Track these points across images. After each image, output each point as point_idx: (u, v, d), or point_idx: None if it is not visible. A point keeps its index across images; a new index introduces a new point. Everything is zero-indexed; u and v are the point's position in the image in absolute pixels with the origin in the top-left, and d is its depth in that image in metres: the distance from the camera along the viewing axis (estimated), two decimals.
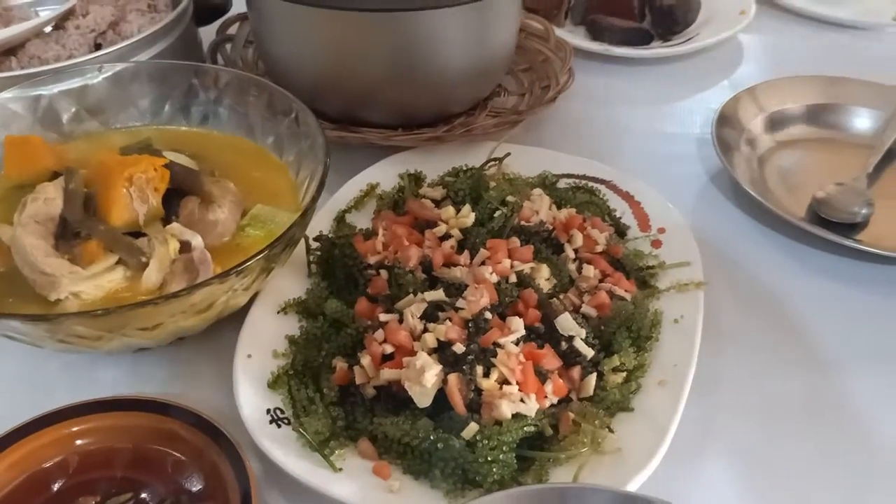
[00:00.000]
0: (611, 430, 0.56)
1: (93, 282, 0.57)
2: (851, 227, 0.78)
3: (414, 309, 0.59)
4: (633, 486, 0.52)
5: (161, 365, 0.64)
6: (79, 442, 0.54)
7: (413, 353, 0.57)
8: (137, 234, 0.61)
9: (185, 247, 0.60)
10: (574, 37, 1.07)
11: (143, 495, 0.53)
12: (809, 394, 0.64)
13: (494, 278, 0.62)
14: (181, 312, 0.55)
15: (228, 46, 0.95)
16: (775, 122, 0.91)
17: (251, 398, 0.57)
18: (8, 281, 0.59)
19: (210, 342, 0.65)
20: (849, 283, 0.75)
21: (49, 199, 0.59)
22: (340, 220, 0.74)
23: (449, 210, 0.69)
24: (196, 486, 0.53)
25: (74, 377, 0.62)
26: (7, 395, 0.61)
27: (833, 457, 0.60)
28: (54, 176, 0.66)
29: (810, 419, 0.62)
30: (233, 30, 0.98)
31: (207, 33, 0.96)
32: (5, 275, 0.60)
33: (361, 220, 0.75)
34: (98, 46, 0.86)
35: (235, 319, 0.63)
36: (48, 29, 0.89)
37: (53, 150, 0.70)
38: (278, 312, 0.64)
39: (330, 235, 0.69)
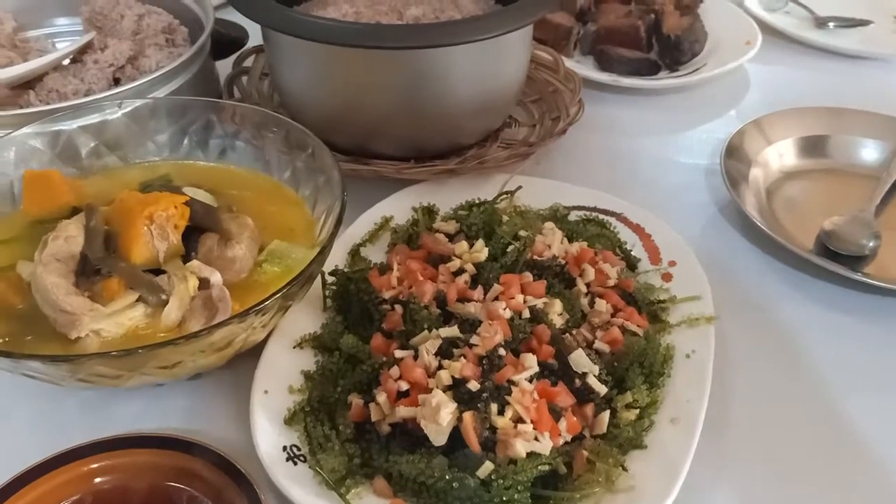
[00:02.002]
0: (624, 469, 0.56)
1: (113, 319, 0.58)
2: (859, 259, 0.79)
3: (429, 345, 0.60)
4: None
5: (179, 399, 0.65)
6: (96, 480, 0.54)
7: (428, 390, 0.57)
8: (157, 271, 0.62)
9: (204, 283, 0.61)
10: (583, 67, 1.09)
11: None
12: (820, 427, 0.65)
13: (508, 314, 0.63)
14: (201, 351, 0.55)
15: (244, 79, 0.97)
16: (782, 154, 0.92)
17: (268, 435, 0.58)
18: (27, 319, 0.60)
19: (228, 375, 0.66)
20: (857, 315, 0.75)
21: (70, 238, 0.60)
22: (355, 253, 0.75)
23: (462, 245, 0.70)
24: None
25: (93, 412, 0.63)
26: (26, 432, 0.62)
27: (845, 491, 0.60)
28: (74, 211, 0.67)
29: (821, 453, 0.63)
30: (248, 62, 1.00)
31: (224, 66, 0.98)
32: (24, 312, 0.61)
33: (376, 254, 0.76)
34: (117, 81, 0.87)
35: (253, 352, 0.64)
36: (66, 62, 0.91)
37: (72, 186, 0.71)
38: (294, 347, 0.65)
39: (345, 270, 0.70)
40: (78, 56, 0.91)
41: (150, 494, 0.55)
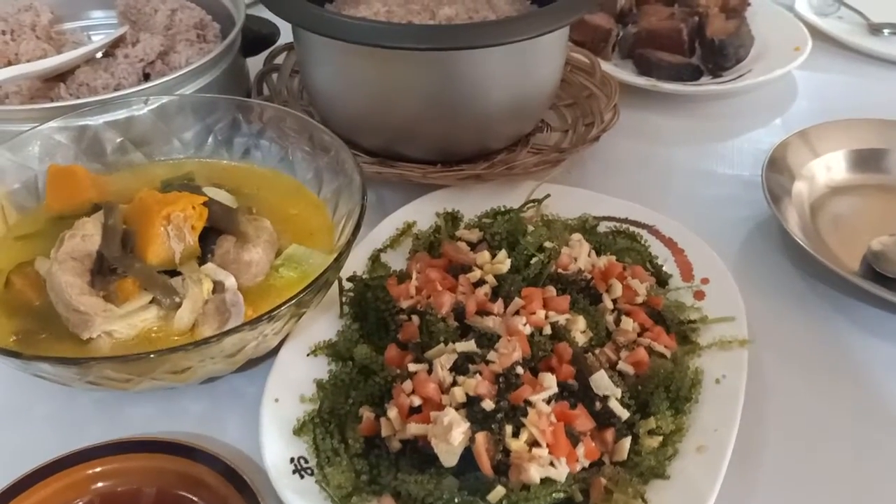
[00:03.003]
0: (644, 500, 0.53)
1: (126, 321, 0.57)
2: None
3: (444, 360, 0.58)
4: None
5: (192, 403, 0.64)
6: (100, 484, 0.54)
7: (441, 406, 0.55)
8: (173, 272, 0.61)
9: (219, 287, 0.60)
10: (621, 71, 1.05)
11: None
12: (859, 463, 0.61)
13: (528, 329, 0.61)
14: (210, 358, 0.54)
15: (275, 76, 0.96)
16: (829, 167, 0.87)
17: (276, 445, 0.56)
18: (43, 316, 0.60)
19: (242, 380, 0.65)
20: None
21: (87, 236, 0.60)
22: (375, 259, 0.73)
23: (484, 255, 0.68)
24: None
25: (105, 415, 0.63)
26: (40, 430, 0.62)
27: None
28: (95, 209, 0.67)
29: (859, 492, 0.59)
30: (279, 59, 0.99)
31: (255, 62, 0.97)
32: (40, 309, 0.60)
33: (397, 260, 0.74)
34: (146, 76, 0.87)
35: (268, 358, 0.63)
36: (98, 55, 0.91)
37: (96, 182, 0.71)
38: (308, 355, 0.64)
39: (364, 276, 0.68)
40: (110, 50, 0.90)
41: (154, 500, 0.54)
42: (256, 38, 0.94)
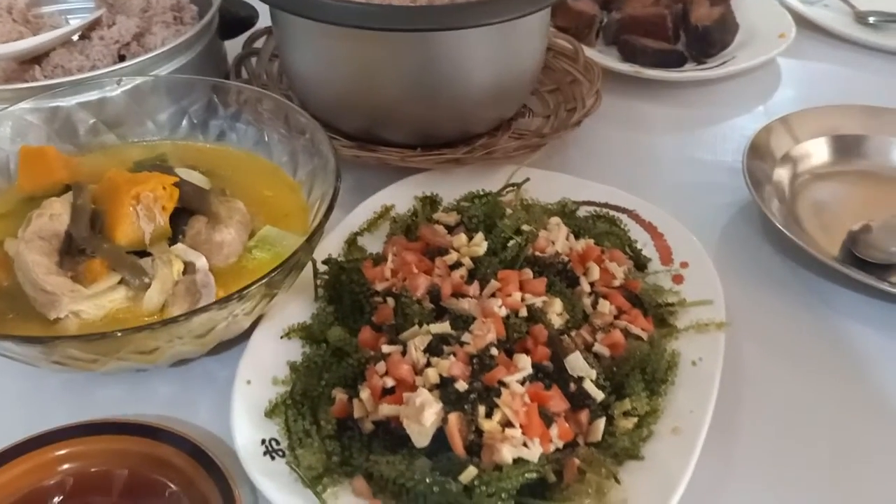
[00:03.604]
0: (617, 481, 0.53)
1: (93, 301, 0.56)
2: (888, 269, 0.74)
3: (418, 341, 0.57)
4: None
5: (162, 385, 0.63)
6: (68, 465, 0.53)
7: (414, 388, 0.55)
8: (143, 253, 0.60)
9: (190, 268, 0.59)
10: (605, 57, 1.05)
11: None
12: (834, 446, 0.61)
13: (503, 312, 0.60)
14: (178, 338, 0.53)
15: (254, 60, 0.95)
16: (810, 153, 0.87)
17: (246, 427, 0.56)
18: (10, 297, 0.59)
19: (214, 363, 0.64)
20: (884, 328, 0.71)
21: (55, 215, 0.59)
22: (352, 242, 0.72)
23: (461, 238, 0.67)
24: None
25: (73, 396, 0.62)
26: (5, 413, 0.61)
27: None
28: (66, 189, 0.66)
29: (832, 474, 0.59)
30: (259, 43, 0.97)
31: (234, 47, 0.96)
32: (8, 290, 0.59)
33: (374, 243, 0.73)
34: (122, 58, 0.86)
35: (240, 340, 0.62)
36: (75, 38, 0.89)
37: (68, 163, 0.70)
38: (282, 337, 0.63)
39: (339, 259, 0.68)
40: (86, 32, 0.89)
41: (123, 481, 0.53)
42: (234, 21, 0.93)
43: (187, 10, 0.92)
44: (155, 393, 0.62)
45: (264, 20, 0.99)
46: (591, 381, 0.57)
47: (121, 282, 0.58)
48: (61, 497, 0.52)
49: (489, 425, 0.53)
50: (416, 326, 0.59)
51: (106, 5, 0.94)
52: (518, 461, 0.52)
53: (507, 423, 0.53)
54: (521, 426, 0.53)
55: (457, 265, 0.65)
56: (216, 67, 0.90)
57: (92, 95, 0.73)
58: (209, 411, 0.61)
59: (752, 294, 0.73)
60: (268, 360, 0.61)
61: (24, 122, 0.70)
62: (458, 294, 0.63)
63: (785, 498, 0.57)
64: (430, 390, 0.54)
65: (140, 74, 0.76)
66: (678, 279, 0.70)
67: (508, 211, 0.71)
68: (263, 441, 0.55)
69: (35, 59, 0.85)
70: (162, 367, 0.63)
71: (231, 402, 0.57)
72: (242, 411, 0.56)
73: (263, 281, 0.55)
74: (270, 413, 0.57)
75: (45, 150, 0.69)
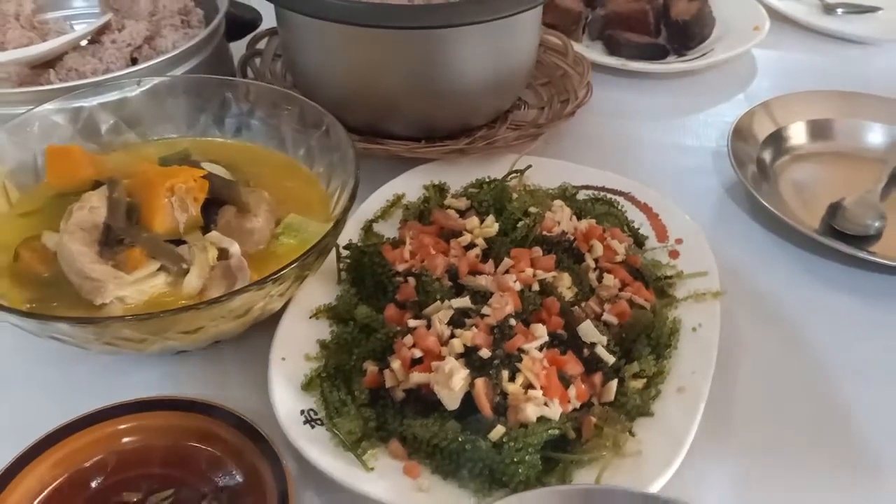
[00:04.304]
0: (632, 434, 0.58)
1: (136, 287, 0.60)
2: (864, 240, 0.80)
3: (441, 315, 0.62)
4: (653, 488, 0.54)
5: (196, 369, 0.66)
6: (123, 440, 0.56)
7: (441, 357, 0.59)
8: (177, 241, 0.64)
9: (223, 254, 0.63)
10: (591, 52, 1.10)
11: (184, 492, 0.55)
12: (820, 402, 0.66)
13: (518, 286, 0.65)
14: (221, 317, 0.57)
15: (258, 61, 0.99)
16: (789, 136, 0.93)
17: (286, 399, 0.59)
18: (52, 286, 0.62)
19: (243, 347, 0.67)
20: (860, 294, 0.77)
21: (94, 208, 0.62)
22: (368, 229, 0.76)
23: (474, 220, 0.71)
24: (235, 484, 0.55)
25: (110, 379, 0.65)
26: (45, 398, 0.64)
27: (840, 461, 0.62)
28: (95, 185, 0.69)
29: (820, 426, 0.64)
30: (261, 45, 1.01)
31: (237, 48, 0.99)
32: (50, 280, 0.63)
33: (387, 230, 0.77)
34: (134, 60, 0.89)
35: (267, 326, 0.65)
36: (83, 42, 0.92)
37: (94, 160, 0.73)
38: (310, 318, 0.67)
39: (359, 244, 0.72)
40: (95, 37, 0.92)
41: (174, 454, 0.56)
42: (239, 23, 0.97)
43: (194, 13, 0.95)
44: (190, 375, 0.66)
45: (265, 23, 1.03)
46: (603, 346, 0.62)
47: (160, 268, 0.61)
48: (107, 476, 0.55)
49: (513, 388, 0.57)
50: (439, 302, 0.63)
51: (111, 10, 0.97)
52: (541, 419, 0.56)
53: (528, 386, 0.58)
54: (541, 388, 0.57)
55: (471, 246, 0.70)
56: (224, 68, 0.93)
57: (113, 96, 0.76)
58: (243, 389, 0.64)
59: (742, 266, 0.78)
60: (299, 339, 0.65)
61: (49, 123, 0.73)
62: (474, 272, 0.67)
63: (779, 447, 0.62)
64: (456, 359, 0.59)
65: (157, 75, 0.79)
66: (674, 254, 0.75)
67: (515, 195, 0.76)
68: (303, 412, 0.59)
69: (48, 63, 0.88)
70: (195, 352, 0.66)
71: (269, 377, 0.61)
72: (281, 385, 0.60)
73: (297, 263, 0.58)
74: (307, 386, 0.61)
75: (71, 148, 0.73)
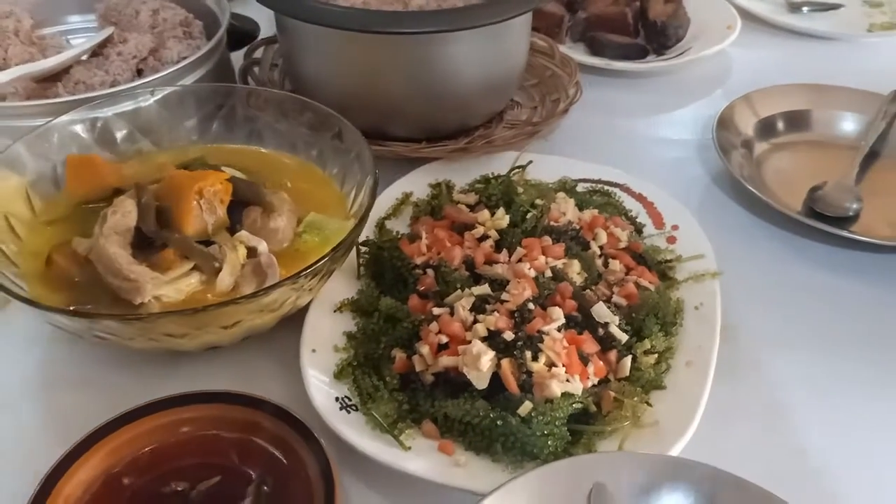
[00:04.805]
0: (650, 405, 0.62)
1: (172, 286, 0.62)
2: (843, 221, 0.86)
3: (464, 302, 0.65)
4: (673, 453, 0.58)
5: (227, 364, 0.69)
6: (168, 432, 0.59)
7: (466, 342, 0.62)
8: (206, 242, 0.66)
9: (252, 252, 0.66)
10: (575, 52, 1.14)
11: (231, 478, 0.57)
12: (813, 363, 0.72)
13: (532, 273, 0.68)
14: (259, 311, 0.60)
15: (256, 69, 1.01)
16: (769, 127, 0.99)
17: (320, 388, 0.62)
18: (86, 289, 0.64)
19: (270, 343, 0.70)
20: (842, 270, 0.82)
21: (126, 213, 0.64)
22: (381, 226, 0.79)
23: (485, 213, 0.75)
24: (278, 469, 0.58)
25: (147, 380, 0.67)
26: (87, 398, 0.66)
27: (834, 417, 0.68)
28: (116, 192, 0.71)
29: (819, 387, 0.70)
30: (258, 54, 1.04)
31: (235, 58, 1.02)
32: (82, 284, 0.65)
33: (399, 226, 0.80)
34: (139, 72, 0.91)
35: (291, 323, 0.68)
36: (84, 56, 0.94)
37: (113, 168, 0.75)
38: (334, 312, 0.70)
39: (376, 240, 0.75)
40: (97, 50, 0.94)
41: (216, 444, 0.59)
42: (240, 34, 0.99)
43: (194, 25, 0.97)
44: (221, 373, 0.68)
45: (262, 32, 1.06)
46: (615, 325, 0.66)
47: (193, 268, 0.64)
48: (157, 466, 0.58)
49: (537, 367, 0.61)
50: (459, 291, 0.67)
51: (110, 24, 0.99)
52: (565, 395, 0.60)
53: (551, 364, 0.61)
54: (563, 365, 0.61)
55: (483, 237, 0.73)
56: (227, 77, 0.95)
57: (127, 106, 0.79)
58: (273, 381, 0.67)
59: (732, 248, 0.82)
60: (326, 332, 0.68)
61: (67, 133, 0.75)
62: (489, 262, 0.71)
63: (782, 410, 0.68)
64: (481, 342, 0.62)
65: (168, 85, 0.81)
66: (672, 240, 0.80)
67: (521, 189, 0.79)
68: (337, 399, 0.62)
69: (54, 77, 0.90)
70: (225, 350, 0.68)
71: (302, 368, 0.63)
72: (314, 375, 0.63)
73: (328, 257, 0.62)
74: (339, 375, 0.64)
75: (91, 157, 0.75)
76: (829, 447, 0.65)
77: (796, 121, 1.00)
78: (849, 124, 1.00)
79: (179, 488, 0.57)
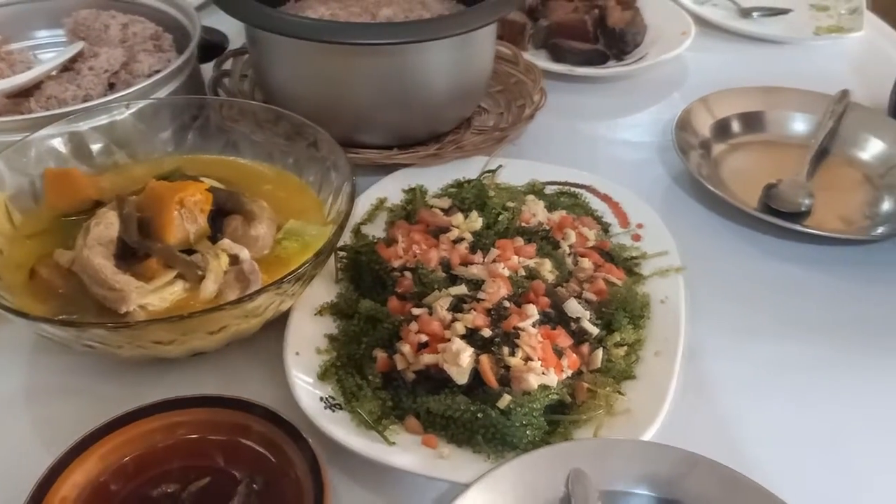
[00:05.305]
0: (622, 394, 0.65)
1: (157, 294, 0.64)
2: (797, 216, 0.90)
3: (442, 302, 0.68)
4: (645, 438, 0.61)
5: (212, 370, 0.70)
6: (157, 437, 0.60)
7: (446, 340, 0.65)
8: (188, 251, 0.68)
9: (234, 260, 0.67)
10: (538, 59, 1.18)
11: (220, 479, 0.59)
12: (777, 352, 0.76)
13: (507, 273, 0.71)
14: (244, 316, 0.62)
15: (227, 80, 1.03)
16: (725, 128, 1.03)
17: (305, 389, 0.64)
18: (70, 300, 0.65)
19: (252, 347, 0.71)
20: (795, 261, 0.87)
21: (109, 224, 0.66)
22: (357, 232, 0.82)
23: (458, 217, 0.78)
24: (267, 469, 0.59)
25: (133, 388, 0.68)
26: (73, 407, 0.67)
27: (794, 394, 0.72)
28: (97, 204, 0.72)
29: (779, 370, 0.74)
30: (227, 65, 1.05)
31: (204, 69, 1.03)
32: (66, 295, 0.66)
33: (375, 231, 0.83)
34: (112, 86, 0.92)
35: (272, 328, 0.69)
36: (55, 71, 0.94)
37: (91, 181, 0.76)
38: (315, 315, 0.72)
39: (353, 245, 0.77)
40: (68, 65, 0.95)
41: (205, 447, 0.60)
42: (209, 46, 1.00)
43: (164, 38, 0.98)
44: (207, 376, 0.70)
45: (231, 44, 1.07)
46: (587, 320, 0.69)
47: (177, 276, 0.65)
48: (147, 470, 0.59)
49: (514, 361, 0.63)
50: (437, 291, 0.69)
51: (79, 39, 0.99)
52: (541, 387, 0.63)
53: (527, 358, 0.64)
54: (539, 359, 0.64)
55: (458, 240, 0.76)
56: (199, 88, 0.97)
57: (102, 120, 0.80)
58: (258, 384, 0.68)
59: (693, 244, 0.86)
60: (308, 335, 0.69)
61: (44, 148, 0.76)
62: (465, 263, 0.73)
63: (746, 394, 0.71)
64: (460, 339, 0.65)
65: (142, 98, 0.83)
66: (637, 238, 0.83)
67: (492, 192, 0.82)
68: (322, 398, 0.64)
69: (25, 92, 0.90)
70: (209, 355, 0.70)
71: (287, 370, 0.65)
72: (299, 376, 0.65)
73: (310, 263, 0.64)
74: (323, 376, 0.66)
75: (69, 171, 0.76)
76: (790, 423, 0.69)
77: (750, 122, 1.04)
78: (799, 124, 1.05)
79: (170, 490, 0.59)
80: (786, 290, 0.83)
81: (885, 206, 0.93)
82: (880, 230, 0.89)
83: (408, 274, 0.72)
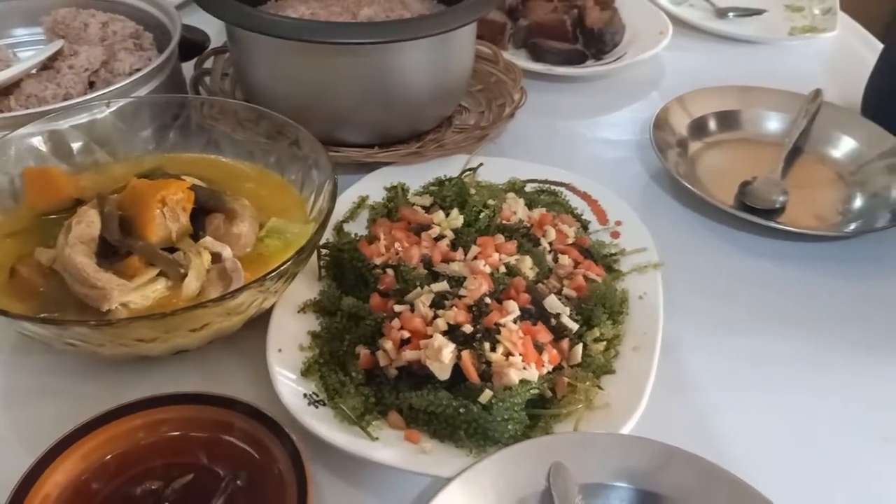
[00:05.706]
0: (601, 388, 0.66)
1: (139, 292, 0.64)
2: (771, 212, 0.92)
3: (424, 299, 0.68)
4: (623, 431, 0.63)
5: (195, 367, 0.70)
6: (139, 434, 0.60)
7: (427, 336, 0.66)
8: (171, 249, 0.68)
9: (216, 258, 0.68)
10: (517, 59, 1.19)
11: (203, 475, 0.59)
12: (750, 345, 0.77)
13: (488, 269, 0.72)
14: (227, 314, 0.62)
15: (208, 79, 1.03)
16: (701, 126, 1.05)
17: (288, 386, 0.65)
18: (51, 299, 0.65)
19: (235, 345, 0.72)
20: (770, 257, 0.88)
21: (90, 223, 0.66)
22: (339, 229, 0.82)
23: (440, 214, 0.79)
24: (251, 465, 0.60)
25: (115, 387, 0.68)
26: (55, 406, 0.67)
27: (769, 387, 0.74)
28: (76, 203, 0.72)
29: (754, 364, 0.76)
30: (208, 64, 1.05)
31: (185, 68, 1.03)
32: (46, 293, 0.66)
33: (357, 229, 0.83)
34: (91, 84, 0.91)
35: (255, 325, 0.70)
36: (34, 70, 0.94)
37: (71, 180, 0.76)
38: (298, 312, 0.72)
39: (335, 243, 0.77)
40: (47, 63, 0.94)
41: (188, 444, 0.60)
42: (190, 45, 1.00)
43: (144, 36, 0.98)
44: (190, 374, 0.70)
45: (212, 43, 1.07)
46: (567, 316, 0.70)
47: (159, 274, 0.65)
48: (130, 467, 0.59)
49: (496, 357, 0.64)
50: (419, 288, 0.70)
51: (57, 37, 0.99)
52: (522, 382, 0.64)
53: (508, 354, 0.65)
54: (520, 354, 0.65)
55: (440, 237, 0.77)
56: (179, 87, 0.97)
57: (82, 118, 0.79)
58: (241, 382, 0.69)
59: (671, 240, 0.88)
60: (291, 332, 0.70)
61: (24, 146, 0.76)
62: (446, 260, 0.74)
63: (722, 387, 0.73)
64: (442, 335, 0.65)
65: (123, 97, 0.82)
66: (615, 235, 0.85)
67: (473, 190, 0.83)
68: (305, 395, 0.64)
69: (4, 91, 0.89)
70: (191, 353, 0.70)
71: (270, 367, 0.65)
72: (281, 373, 0.65)
73: (292, 260, 0.64)
74: (306, 372, 0.66)
75: (48, 170, 0.75)
76: (766, 415, 0.71)
77: (726, 120, 1.06)
78: (774, 123, 1.07)
79: (153, 487, 0.59)
80: (761, 285, 0.85)
81: (857, 203, 0.95)
82: (852, 226, 0.91)
83: (390, 271, 0.73)
